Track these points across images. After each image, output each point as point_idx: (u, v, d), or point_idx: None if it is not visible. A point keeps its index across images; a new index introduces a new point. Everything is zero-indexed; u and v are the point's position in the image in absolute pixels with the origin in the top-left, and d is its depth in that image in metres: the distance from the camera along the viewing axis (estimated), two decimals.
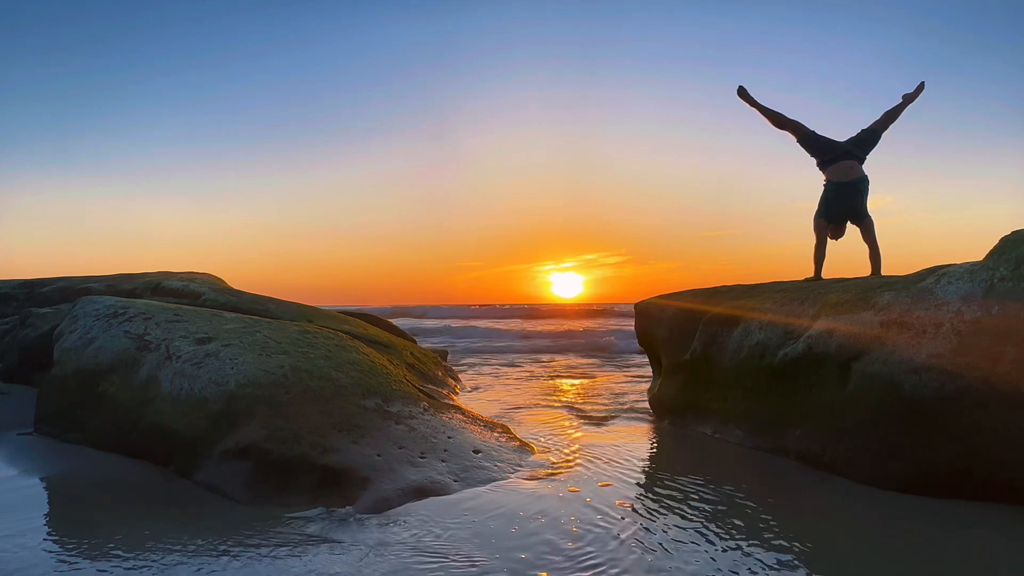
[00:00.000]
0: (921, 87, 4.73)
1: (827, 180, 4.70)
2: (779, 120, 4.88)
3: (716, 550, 2.25)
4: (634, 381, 7.04)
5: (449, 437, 3.49)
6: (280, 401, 3.25)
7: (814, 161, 4.83)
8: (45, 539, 2.36)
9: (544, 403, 5.68)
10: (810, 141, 4.79)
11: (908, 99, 4.73)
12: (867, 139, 4.68)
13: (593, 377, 7.58)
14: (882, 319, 3.10)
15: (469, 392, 6.32)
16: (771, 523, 2.52)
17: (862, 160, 4.65)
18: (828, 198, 4.68)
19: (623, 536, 2.38)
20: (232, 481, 2.87)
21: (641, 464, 3.54)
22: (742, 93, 4.95)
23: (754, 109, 4.94)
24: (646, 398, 5.27)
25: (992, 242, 3.03)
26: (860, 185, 4.59)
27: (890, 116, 4.72)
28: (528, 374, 7.99)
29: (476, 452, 3.39)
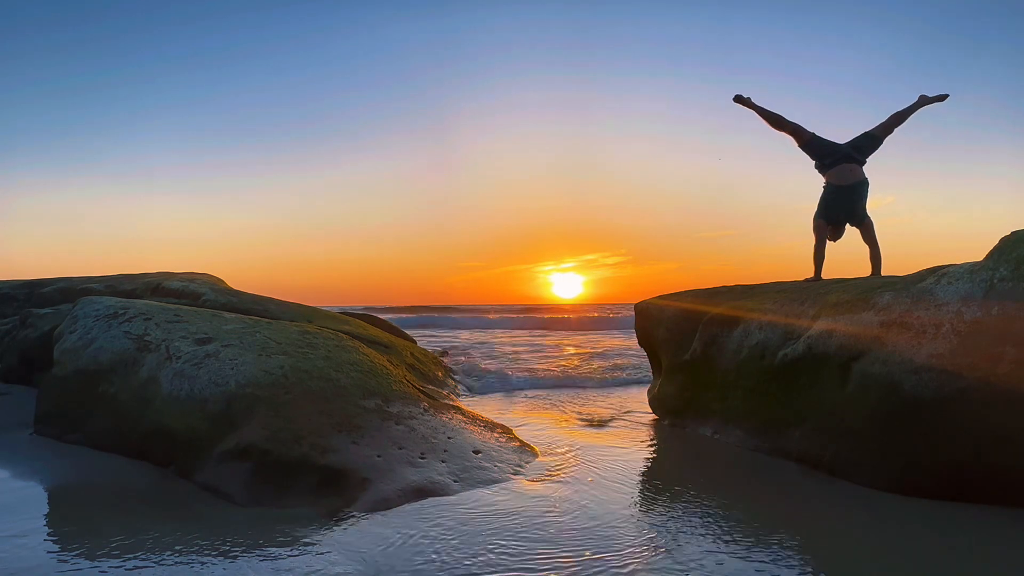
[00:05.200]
0: (943, 97, 4.68)
1: (827, 183, 4.70)
2: (778, 122, 4.86)
3: (715, 552, 2.25)
4: (634, 382, 7.04)
5: (449, 438, 3.49)
6: (280, 402, 3.25)
7: (814, 162, 4.83)
8: (46, 539, 2.36)
9: (545, 404, 5.68)
10: (811, 145, 4.78)
11: (924, 101, 4.67)
12: (866, 144, 4.66)
13: (594, 377, 7.58)
14: (882, 319, 3.10)
15: (470, 394, 6.32)
16: (771, 525, 2.52)
17: (862, 163, 4.64)
18: (827, 200, 4.67)
19: (623, 537, 2.38)
20: (232, 482, 2.87)
21: (641, 465, 3.54)
22: (739, 99, 4.94)
23: (753, 111, 4.93)
24: (646, 399, 5.27)
25: (992, 242, 3.03)
26: (860, 189, 4.58)
27: (898, 118, 4.66)
28: (529, 375, 7.98)
29: (476, 453, 3.39)
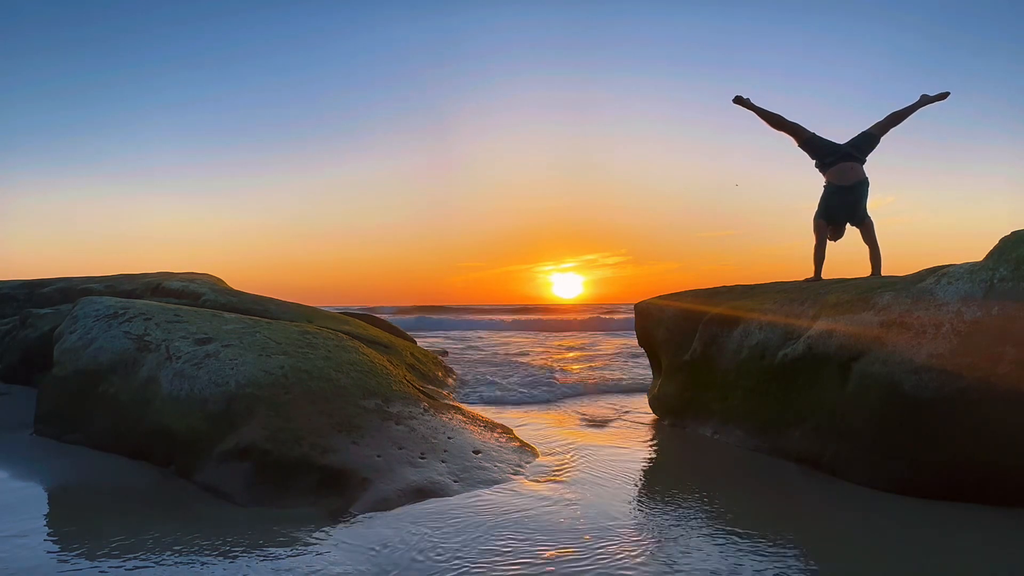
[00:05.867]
0: (944, 95, 4.66)
1: (827, 182, 4.70)
2: (778, 122, 4.86)
3: (715, 553, 2.25)
4: (635, 382, 7.04)
5: (449, 438, 3.49)
6: (280, 402, 3.25)
7: (814, 162, 4.83)
8: (46, 539, 2.36)
9: (545, 404, 5.68)
10: (811, 144, 4.77)
11: (925, 101, 4.66)
12: (864, 143, 4.65)
13: (594, 378, 7.58)
14: (882, 319, 3.10)
15: (469, 392, 6.31)
16: (770, 525, 2.52)
17: (862, 162, 4.64)
18: (828, 200, 4.67)
19: (623, 538, 2.38)
20: (232, 482, 2.87)
21: (641, 466, 3.55)
22: (738, 100, 4.94)
23: (752, 112, 4.93)
24: (646, 399, 5.27)
25: (992, 242, 3.03)
26: (860, 188, 4.58)
27: (896, 117, 4.66)
28: (528, 374, 7.98)
29: (476, 453, 3.39)
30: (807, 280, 4.59)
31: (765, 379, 3.72)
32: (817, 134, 4.78)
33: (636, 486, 3.10)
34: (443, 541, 2.32)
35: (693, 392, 4.45)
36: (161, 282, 7.39)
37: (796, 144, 4.87)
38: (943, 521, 2.52)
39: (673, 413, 4.65)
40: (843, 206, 4.62)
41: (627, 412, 5.16)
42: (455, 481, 2.99)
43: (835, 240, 4.78)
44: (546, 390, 6.49)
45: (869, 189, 4.61)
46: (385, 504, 2.69)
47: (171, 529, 2.44)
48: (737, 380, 3.98)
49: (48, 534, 2.42)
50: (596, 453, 3.71)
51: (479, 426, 3.93)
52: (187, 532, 2.40)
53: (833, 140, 4.76)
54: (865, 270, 4.60)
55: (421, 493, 2.82)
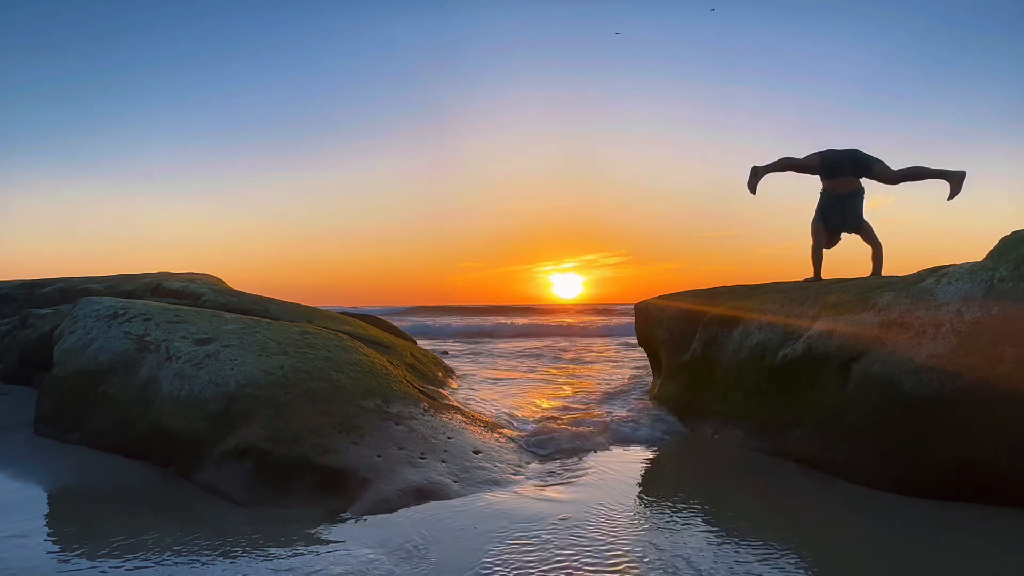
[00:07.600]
0: (960, 184, 4.32)
1: (824, 188, 4.76)
2: (790, 165, 4.83)
3: (715, 554, 2.25)
4: (635, 383, 7.03)
5: (449, 438, 3.49)
6: (280, 402, 3.25)
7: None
8: (46, 539, 2.35)
9: (546, 405, 5.67)
10: (822, 167, 4.71)
11: (937, 174, 4.40)
12: (863, 164, 4.60)
13: (594, 378, 7.58)
14: (882, 319, 3.10)
15: (470, 393, 6.31)
16: (770, 525, 2.52)
17: (857, 176, 4.68)
18: (826, 206, 4.73)
19: (622, 536, 2.38)
20: (232, 482, 2.87)
21: (641, 466, 3.54)
22: (752, 180, 4.91)
23: (768, 173, 4.90)
24: (647, 399, 5.27)
25: (992, 242, 3.03)
26: (856, 197, 4.65)
27: (913, 174, 4.46)
28: (529, 376, 7.98)
29: (476, 453, 3.39)
30: (807, 280, 4.60)
31: (765, 379, 3.72)
32: (824, 153, 4.71)
33: (636, 486, 3.09)
34: (443, 542, 2.32)
35: (693, 392, 4.45)
36: (161, 282, 7.38)
37: (810, 174, 4.81)
38: (943, 521, 2.52)
39: (673, 413, 4.65)
40: (839, 212, 4.69)
41: (628, 412, 5.15)
42: (455, 481, 2.99)
43: (829, 247, 4.82)
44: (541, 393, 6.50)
45: (865, 195, 4.68)
46: (385, 504, 2.69)
47: (171, 529, 2.44)
48: (737, 380, 3.98)
49: (48, 534, 2.42)
50: (596, 453, 3.71)
51: (479, 426, 3.93)
52: (187, 532, 2.40)
53: (836, 149, 4.73)
54: (865, 270, 4.62)
55: (421, 493, 2.82)
